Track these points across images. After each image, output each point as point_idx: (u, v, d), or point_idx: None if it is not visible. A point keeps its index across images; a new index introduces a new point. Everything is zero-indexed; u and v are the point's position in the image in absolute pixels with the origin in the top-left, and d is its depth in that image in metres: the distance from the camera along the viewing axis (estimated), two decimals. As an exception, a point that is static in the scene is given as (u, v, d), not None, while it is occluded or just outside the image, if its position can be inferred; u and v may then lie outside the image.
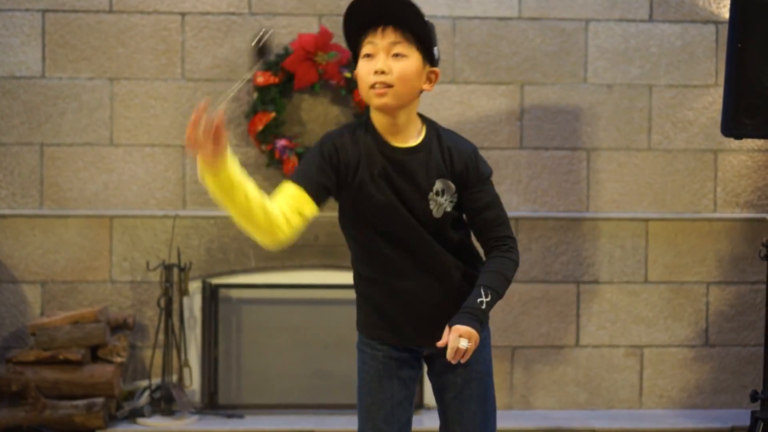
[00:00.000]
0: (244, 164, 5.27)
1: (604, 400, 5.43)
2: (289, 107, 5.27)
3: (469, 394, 2.77)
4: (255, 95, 5.17)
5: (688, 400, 5.44)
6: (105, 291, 5.24)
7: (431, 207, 2.68)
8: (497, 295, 2.66)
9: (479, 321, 2.60)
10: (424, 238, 2.69)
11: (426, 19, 2.63)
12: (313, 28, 5.22)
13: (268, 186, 5.23)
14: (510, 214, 5.26)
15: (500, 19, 5.35)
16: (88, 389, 4.88)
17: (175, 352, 5.10)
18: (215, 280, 5.25)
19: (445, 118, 5.33)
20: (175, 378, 5.10)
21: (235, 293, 5.22)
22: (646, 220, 5.41)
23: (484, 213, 2.71)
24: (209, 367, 5.21)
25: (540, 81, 5.37)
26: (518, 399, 5.39)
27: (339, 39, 5.25)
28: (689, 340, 5.44)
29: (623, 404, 5.43)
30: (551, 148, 5.40)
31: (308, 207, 2.60)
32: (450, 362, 2.57)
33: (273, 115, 5.14)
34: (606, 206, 5.41)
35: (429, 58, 2.65)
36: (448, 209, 2.68)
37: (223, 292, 5.23)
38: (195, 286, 5.23)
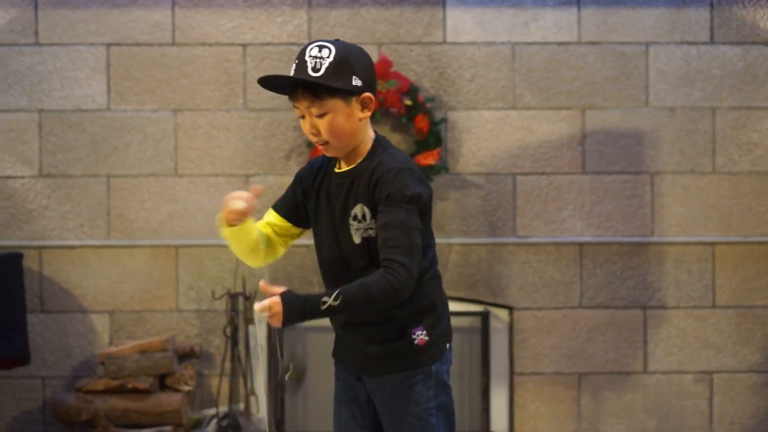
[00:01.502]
0: (308, 193, 5.31)
1: (674, 428, 5.36)
2: (351, 135, 5.29)
3: (388, 429, 2.76)
4: (318, 124, 5.20)
5: (759, 426, 5.35)
6: (172, 320, 5.28)
7: (351, 233, 2.70)
8: (347, 306, 2.56)
9: (303, 313, 2.57)
10: (347, 263, 2.71)
11: (329, 65, 2.65)
12: (373, 57, 5.22)
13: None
14: (573, 239, 5.29)
15: (560, 44, 5.35)
16: (157, 418, 4.91)
17: (241, 380, 5.12)
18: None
19: (505, 144, 5.33)
20: (242, 406, 5.12)
21: (299, 321, 5.23)
22: (713, 243, 5.35)
23: (382, 232, 2.63)
24: (276, 394, 5.22)
25: (601, 105, 5.35)
26: (586, 427, 5.34)
27: (399, 67, 5.27)
28: (759, 365, 5.36)
29: (693, 431, 5.36)
30: (614, 173, 5.36)
31: (275, 222, 2.84)
32: (379, 395, 2.73)
33: (336, 143, 5.16)
34: (671, 230, 5.36)
35: (352, 92, 2.68)
36: (365, 235, 2.68)
37: (287, 320, 5.24)
38: (260, 315, 5.24)
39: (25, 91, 5.28)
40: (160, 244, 5.28)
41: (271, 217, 2.84)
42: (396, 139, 5.31)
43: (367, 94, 2.70)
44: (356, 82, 2.67)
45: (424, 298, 2.74)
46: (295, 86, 2.68)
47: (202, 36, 5.32)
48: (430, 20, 5.33)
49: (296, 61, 2.68)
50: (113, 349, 5.04)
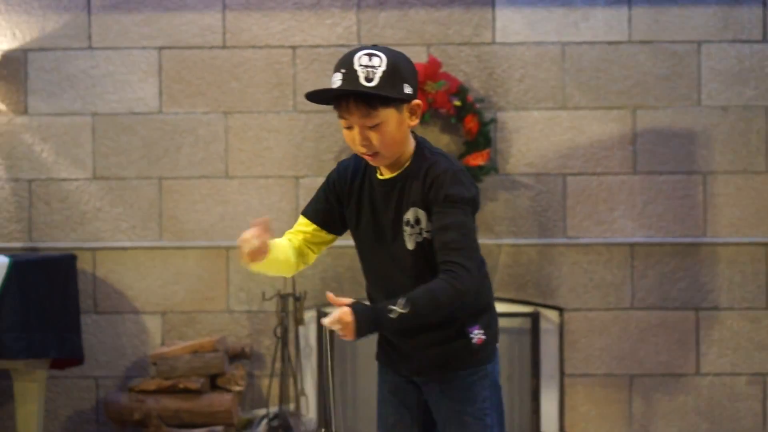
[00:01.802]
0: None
1: (727, 430, 5.30)
2: (401, 137, 5.29)
3: (443, 428, 2.74)
4: (367, 125, 5.21)
5: (815, 429, 5.28)
6: (223, 321, 5.33)
7: (404, 238, 2.65)
8: (416, 313, 2.52)
9: (374, 323, 2.52)
10: (401, 269, 2.67)
11: (382, 74, 2.57)
12: (422, 58, 5.25)
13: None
14: (625, 240, 5.25)
15: (610, 43, 5.31)
16: (208, 418, 4.96)
17: (291, 380, 5.15)
18: (330, 309, 5.28)
19: (555, 144, 5.30)
20: (292, 406, 5.15)
21: (349, 322, 5.25)
22: (766, 244, 5.29)
23: (441, 234, 2.58)
24: (325, 395, 5.24)
25: (652, 105, 5.31)
26: (637, 429, 5.29)
27: (448, 68, 5.27)
28: (814, 367, 5.29)
29: (747, 434, 5.30)
30: (665, 173, 5.32)
31: (309, 231, 2.79)
32: (435, 396, 2.70)
33: (385, 144, 5.17)
34: (724, 231, 5.30)
35: (404, 100, 2.62)
36: (419, 240, 2.64)
37: (337, 321, 5.26)
38: (310, 316, 5.29)
39: (79, 95, 5.35)
40: (211, 246, 5.33)
41: (304, 225, 2.79)
42: (445, 140, 5.31)
43: (417, 101, 2.65)
44: (407, 90, 2.61)
45: (480, 298, 2.74)
46: (344, 97, 2.59)
47: (253, 38, 5.35)
48: (479, 21, 5.32)
49: (342, 71, 2.59)
50: (165, 349, 5.10)
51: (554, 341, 5.30)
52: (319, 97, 2.64)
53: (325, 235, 2.79)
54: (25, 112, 5.35)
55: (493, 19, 5.32)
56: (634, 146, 5.31)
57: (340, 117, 2.63)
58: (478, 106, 5.24)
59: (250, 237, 2.63)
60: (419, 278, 2.61)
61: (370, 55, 2.59)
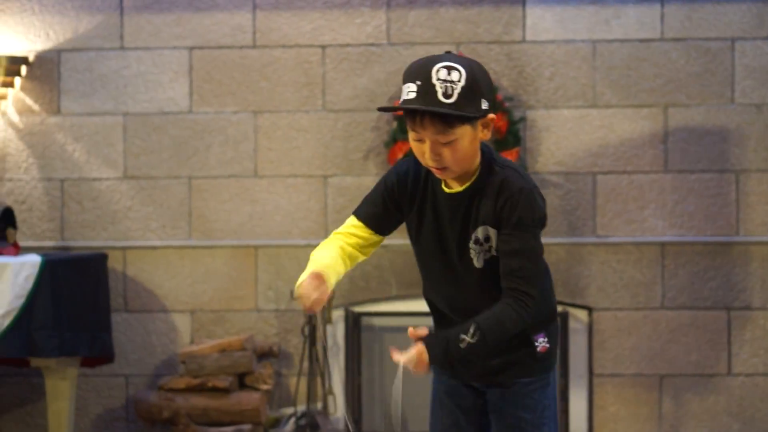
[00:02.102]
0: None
1: (759, 431, 5.24)
2: (429, 135, 5.29)
3: None
4: (394, 124, 5.21)
5: None
6: (251, 319, 5.35)
7: (471, 256, 2.59)
8: (484, 342, 2.50)
9: (445, 355, 2.49)
10: (466, 284, 2.62)
11: (461, 90, 2.46)
12: (452, 56, 5.24)
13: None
14: (655, 239, 5.20)
15: (642, 41, 5.26)
16: (236, 416, 4.98)
17: (319, 379, 5.16)
18: (358, 309, 5.30)
19: (585, 143, 5.27)
20: (319, 405, 5.16)
21: (377, 321, 5.26)
22: (800, 243, 5.23)
23: (509, 259, 2.53)
24: (353, 394, 5.25)
25: (684, 102, 5.26)
26: (667, 429, 5.25)
27: (477, 66, 5.25)
28: None
29: (779, 435, 5.24)
30: (697, 171, 5.26)
31: (363, 236, 2.68)
32: (495, 401, 2.66)
33: (413, 143, 5.17)
34: (757, 230, 5.24)
35: (478, 116, 2.52)
36: (487, 257, 2.58)
37: (365, 320, 5.27)
38: (338, 315, 5.30)
39: (110, 95, 5.40)
40: (240, 245, 5.35)
41: (357, 229, 2.69)
42: (474, 139, 5.29)
43: (491, 115, 2.53)
44: (485, 105, 2.50)
45: (546, 306, 2.71)
46: (418, 111, 2.48)
47: (282, 38, 5.37)
48: (509, 19, 5.30)
49: (418, 83, 2.48)
50: (194, 348, 5.13)
51: (583, 341, 5.27)
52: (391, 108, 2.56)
53: (378, 239, 2.69)
54: (58, 112, 5.41)
55: (524, 16, 5.30)
56: (665, 144, 5.27)
57: (412, 129, 2.52)
58: (507, 104, 5.22)
59: (308, 292, 2.54)
60: (485, 292, 2.59)
61: (449, 69, 2.47)
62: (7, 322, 4.57)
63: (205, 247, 5.38)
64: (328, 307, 5.15)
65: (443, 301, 2.69)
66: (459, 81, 2.46)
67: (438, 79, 2.47)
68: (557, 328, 2.76)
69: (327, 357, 5.19)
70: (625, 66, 5.27)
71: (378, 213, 2.67)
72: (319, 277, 2.55)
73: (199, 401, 5.00)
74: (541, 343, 2.68)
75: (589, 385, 5.26)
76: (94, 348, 4.85)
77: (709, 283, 5.25)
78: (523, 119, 5.26)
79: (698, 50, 5.26)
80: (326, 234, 5.31)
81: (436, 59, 2.51)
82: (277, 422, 5.22)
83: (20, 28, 5.40)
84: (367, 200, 2.70)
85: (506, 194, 2.53)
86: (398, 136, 5.18)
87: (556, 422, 2.75)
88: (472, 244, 2.58)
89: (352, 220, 2.70)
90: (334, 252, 2.66)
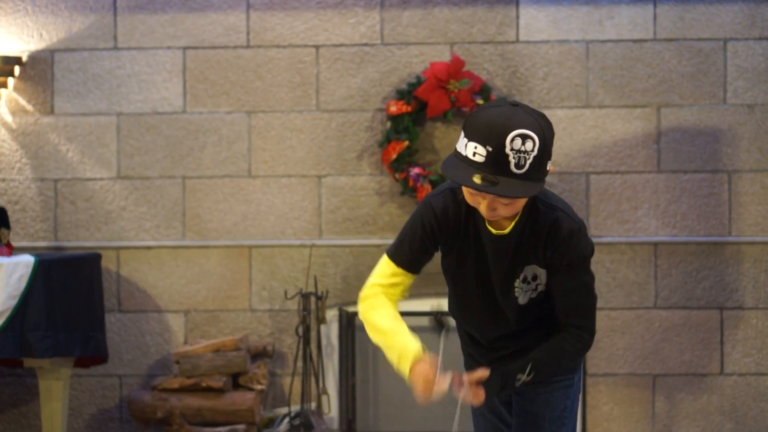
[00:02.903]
0: (379, 193, 5.33)
1: (751, 430, 5.25)
2: (422, 135, 5.30)
3: (518, 429, 2.73)
4: (388, 124, 5.22)
5: (842, 430, 5.23)
6: (245, 319, 5.35)
7: (516, 294, 2.58)
8: (538, 377, 2.56)
9: (500, 390, 2.55)
10: (506, 318, 2.63)
11: (533, 160, 2.38)
12: (445, 57, 5.25)
13: (403, 214, 5.27)
14: (648, 239, 5.22)
15: (635, 41, 5.28)
16: (230, 416, 4.98)
17: (313, 379, 5.16)
18: (352, 308, 5.30)
19: (579, 143, 5.28)
20: (313, 405, 5.16)
21: (371, 321, 5.25)
22: (793, 243, 5.25)
23: (566, 298, 2.55)
24: (347, 394, 5.25)
25: (677, 103, 5.27)
26: (660, 428, 5.26)
27: (471, 66, 5.26)
28: (841, 367, 5.23)
29: (772, 434, 5.26)
30: (690, 171, 5.28)
31: (408, 282, 2.62)
32: (519, 398, 2.68)
33: (406, 143, 5.18)
34: (750, 230, 5.26)
35: (544, 180, 2.47)
36: (533, 296, 2.58)
37: (359, 320, 5.27)
38: (332, 314, 5.30)
39: (104, 95, 5.40)
40: (234, 245, 5.35)
41: (402, 276, 2.59)
42: (468, 139, 5.30)
43: (551, 167, 2.49)
44: (549, 166, 2.44)
45: None
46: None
47: (276, 38, 5.37)
48: (503, 19, 5.31)
49: (488, 148, 2.37)
50: (188, 348, 5.13)
51: (577, 341, 5.27)
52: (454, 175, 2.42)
53: (409, 280, 2.62)
54: (51, 112, 5.40)
55: (517, 17, 5.31)
56: (658, 145, 5.28)
57: (470, 191, 2.46)
58: (500, 104, 5.22)
59: (438, 386, 2.52)
60: (522, 324, 2.62)
61: (524, 138, 2.37)
62: (0, 322, 4.56)
63: (199, 247, 5.38)
64: (322, 307, 5.15)
65: (476, 328, 2.70)
66: (532, 151, 2.38)
67: (512, 149, 2.37)
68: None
69: (321, 357, 5.19)
70: (618, 66, 5.29)
71: (417, 257, 2.60)
72: (431, 367, 2.52)
73: (193, 401, 5.00)
74: None
75: (583, 384, 5.27)
76: (88, 348, 4.84)
77: (702, 282, 5.27)
78: (516, 119, 5.26)
79: (690, 51, 5.27)
80: (320, 234, 5.35)
81: (510, 123, 2.38)
82: (271, 422, 5.23)
83: (13, 28, 5.39)
84: (404, 244, 2.60)
85: (558, 239, 2.50)
86: (392, 136, 5.19)
87: (575, 422, 2.77)
88: (519, 283, 2.57)
89: (392, 268, 2.60)
90: (397, 315, 2.61)
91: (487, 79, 5.27)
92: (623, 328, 5.27)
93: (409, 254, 2.59)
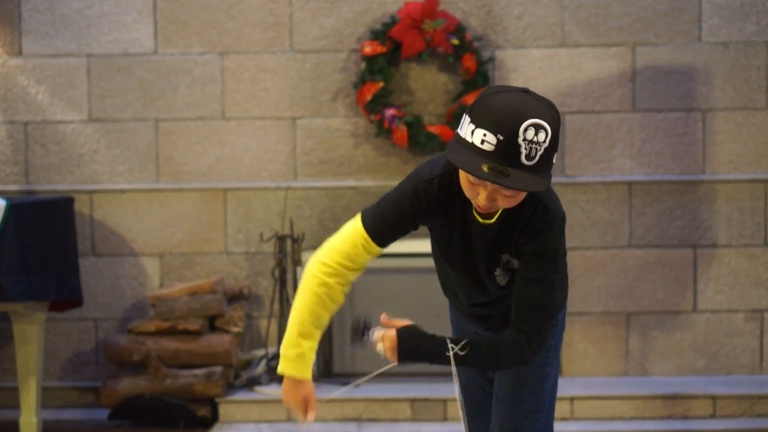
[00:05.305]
0: (354, 134, 5.30)
1: (723, 366, 5.32)
2: (397, 76, 5.26)
3: (506, 373, 2.71)
4: (362, 65, 5.17)
5: (812, 365, 5.30)
6: (221, 262, 5.34)
7: (497, 277, 2.57)
8: (472, 361, 2.48)
9: (421, 354, 2.47)
10: (488, 292, 2.62)
11: (543, 152, 2.32)
12: (420, -4, 5.20)
13: (378, 156, 5.25)
14: (623, 178, 5.23)
15: (610, -21, 5.24)
16: (207, 359, 4.99)
17: (290, 321, 5.16)
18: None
19: (554, 82, 5.26)
20: (290, 347, 5.16)
21: (347, 262, 5.25)
22: (766, 181, 5.27)
23: (526, 288, 2.48)
24: (324, 335, 5.26)
25: (652, 41, 5.26)
26: (634, 366, 5.32)
27: (446, 5, 5.21)
28: (812, 304, 5.29)
29: (743, 370, 5.32)
30: (665, 110, 5.28)
31: (367, 258, 2.54)
32: None
33: (381, 84, 5.14)
34: (723, 168, 5.28)
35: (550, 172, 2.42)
36: (511, 275, 2.56)
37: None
38: (308, 256, 5.27)
39: (73, 36, 5.31)
40: (209, 187, 5.32)
41: (368, 251, 2.51)
42: (443, 80, 5.27)
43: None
44: (554, 158, 2.38)
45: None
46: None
47: (247, -23, 5.29)
48: (476, -43, 5.25)
49: (500, 137, 2.30)
50: (164, 291, 5.12)
51: (552, 280, 5.30)
52: (459, 161, 2.35)
53: (375, 252, 2.54)
54: (19, 53, 5.32)
55: (491, -45, 5.25)
56: (633, 84, 5.27)
57: (471, 178, 2.39)
58: (476, 44, 5.20)
59: (295, 402, 2.56)
60: (503, 293, 2.59)
61: (537, 128, 2.31)
62: (-27, 267, 4.53)
63: (173, 190, 5.34)
64: (298, 249, 5.15)
65: (459, 290, 2.69)
66: (544, 142, 2.32)
67: (524, 140, 2.31)
68: (562, 289, 2.71)
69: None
70: (593, 5, 5.25)
71: (391, 234, 2.52)
72: (297, 384, 2.53)
73: (169, 344, 5.00)
74: None
75: (558, 323, 5.31)
76: (62, 292, 4.82)
77: (676, 221, 5.29)
78: (491, 59, 5.24)
79: (666, -12, 5.25)
80: (295, 176, 5.32)
81: (524, 112, 2.31)
82: (248, 364, 5.24)
83: (-21, -33, 5.29)
84: (384, 216, 2.50)
85: (533, 223, 2.45)
86: (366, 77, 5.15)
87: (558, 360, 2.78)
88: (500, 271, 2.55)
89: (362, 237, 2.50)
90: (325, 321, 2.56)
91: (462, 19, 5.23)
92: (597, 267, 5.30)
93: (383, 228, 2.51)
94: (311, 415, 2.56)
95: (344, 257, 2.52)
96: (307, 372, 2.54)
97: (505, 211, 2.49)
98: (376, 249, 2.52)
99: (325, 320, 2.55)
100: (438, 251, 2.66)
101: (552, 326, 2.66)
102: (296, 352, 2.54)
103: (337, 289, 2.53)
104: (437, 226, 2.57)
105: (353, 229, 2.52)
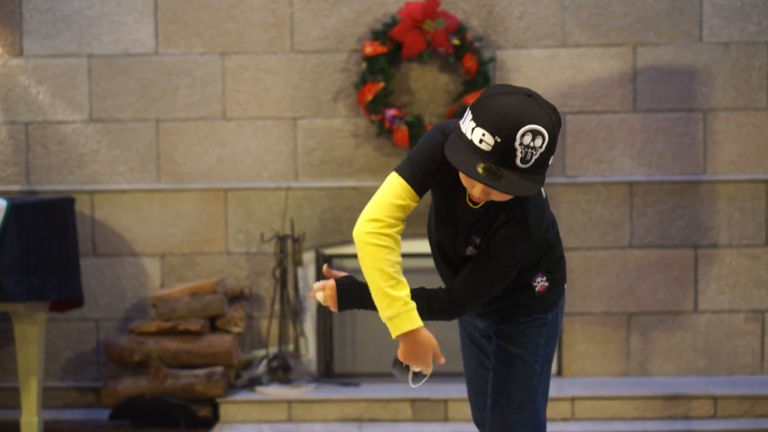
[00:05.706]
0: (355, 135, 5.31)
1: (724, 366, 5.32)
2: (398, 76, 5.26)
3: (493, 364, 2.81)
4: (363, 65, 5.17)
5: (813, 365, 5.30)
6: (222, 262, 5.34)
7: (466, 249, 2.67)
8: (423, 306, 2.63)
9: (359, 302, 2.60)
10: (453, 262, 2.73)
11: (539, 157, 2.42)
12: (421, -4, 5.20)
13: (379, 156, 5.26)
14: (624, 178, 5.23)
15: (611, -21, 5.24)
16: (208, 359, 4.99)
17: (290, 321, 5.17)
18: (328, 251, 5.30)
19: (555, 83, 5.26)
20: (291, 347, 5.18)
21: (348, 263, 5.26)
22: (767, 181, 5.27)
23: (475, 269, 2.60)
24: (324, 336, 5.27)
25: (653, 41, 5.25)
26: (635, 366, 5.32)
27: (447, 6, 5.21)
28: (813, 304, 5.29)
29: (744, 370, 5.32)
30: (666, 110, 5.28)
31: (410, 208, 2.61)
32: (496, 339, 2.78)
33: (382, 84, 5.14)
34: (724, 168, 5.28)
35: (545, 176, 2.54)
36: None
37: (336, 262, 5.28)
38: (309, 257, 5.30)
39: (74, 36, 5.32)
40: (209, 188, 5.32)
41: (410, 201, 2.58)
42: (444, 80, 5.27)
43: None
44: (551, 160, 2.47)
45: (554, 252, 2.77)
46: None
47: (248, -22, 5.29)
48: (477, -43, 5.25)
49: (497, 139, 2.39)
50: (165, 291, 5.12)
51: (553, 280, 5.30)
52: (452, 158, 2.45)
53: (415, 203, 2.65)
54: (20, 53, 5.32)
55: (492, -45, 5.25)
56: (634, 84, 5.27)
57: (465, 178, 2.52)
58: (476, 44, 5.20)
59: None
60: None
61: (535, 134, 2.38)
62: (-27, 267, 4.53)
63: (174, 191, 5.34)
64: (299, 249, 5.15)
65: (442, 240, 2.77)
66: (540, 148, 2.40)
67: (521, 144, 2.38)
68: (559, 266, 2.79)
69: (298, 299, 5.20)
70: (594, 5, 5.25)
71: (427, 179, 2.60)
72: (415, 337, 2.61)
73: (170, 344, 5.00)
74: (540, 282, 2.74)
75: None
76: (63, 292, 4.82)
77: (677, 221, 5.29)
78: (492, 59, 5.24)
79: (667, -12, 5.25)
80: (296, 176, 5.32)
81: (524, 117, 2.38)
82: (249, 364, 5.24)
83: (-20, -32, 5.29)
84: (424, 169, 2.58)
85: (505, 232, 2.57)
86: (367, 78, 5.15)
87: (550, 362, 2.81)
88: (470, 249, 2.66)
89: (403, 188, 2.57)
90: (387, 258, 2.59)
91: (463, 19, 5.23)
92: (598, 268, 5.30)
93: (422, 175, 2.57)
94: (441, 359, 2.64)
95: (393, 209, 2.57)
96: (417, 319, 2.58)
97: (491, 202, 2.58)
98: (416, 198, 2.58)
99: (400, 267, 2.58)
100: (435, 209, 2.76)
101: (538, 326, 2.77)
102: (398, 306, 2.57)
103: (395, 237, 2.59)
104: (442, 190, 2.67)
105: (393, 185, 2.58)
